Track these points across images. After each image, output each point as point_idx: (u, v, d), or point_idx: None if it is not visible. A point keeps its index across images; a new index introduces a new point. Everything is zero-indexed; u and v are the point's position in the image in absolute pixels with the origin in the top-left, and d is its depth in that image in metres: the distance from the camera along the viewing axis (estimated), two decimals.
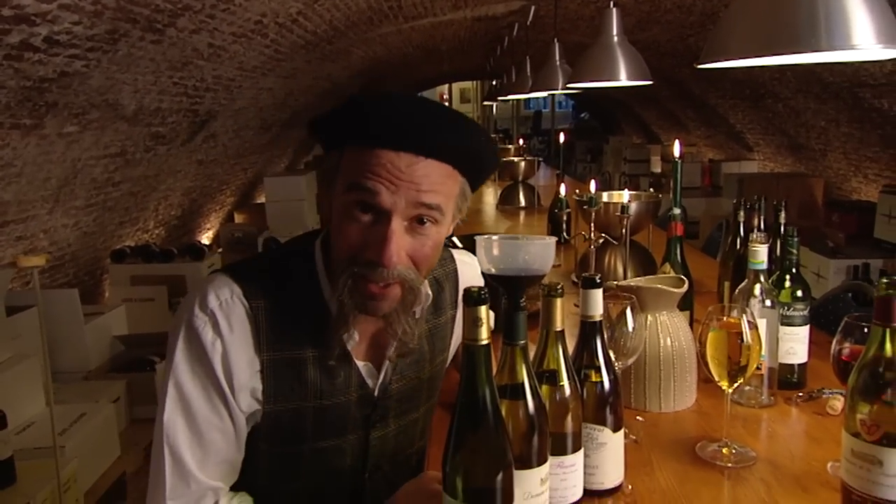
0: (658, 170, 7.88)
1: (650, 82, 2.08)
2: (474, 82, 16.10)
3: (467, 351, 0.77)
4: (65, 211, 3.23)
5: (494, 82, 7.89)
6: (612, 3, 2.12)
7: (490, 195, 4.35)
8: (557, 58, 3.04)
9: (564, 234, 2.42)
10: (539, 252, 0.86)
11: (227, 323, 0.88)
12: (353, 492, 1.01)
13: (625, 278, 1.94)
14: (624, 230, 1.83)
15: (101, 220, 3.64)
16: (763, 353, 1.15)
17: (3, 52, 1.89)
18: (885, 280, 0.81)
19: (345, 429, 0.96)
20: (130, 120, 3.11)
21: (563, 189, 2.50)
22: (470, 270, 1.14)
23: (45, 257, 1.82)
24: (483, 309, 0.76)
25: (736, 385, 1.03)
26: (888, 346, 0.81)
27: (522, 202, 3.78)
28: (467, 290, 0.77)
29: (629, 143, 9.08)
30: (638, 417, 1.21)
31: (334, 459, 0.97)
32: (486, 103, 13.61)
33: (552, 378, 0.89)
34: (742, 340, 1.00)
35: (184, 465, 0.88)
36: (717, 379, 1.03)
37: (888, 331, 0.81)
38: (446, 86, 16.57)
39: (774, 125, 5.37)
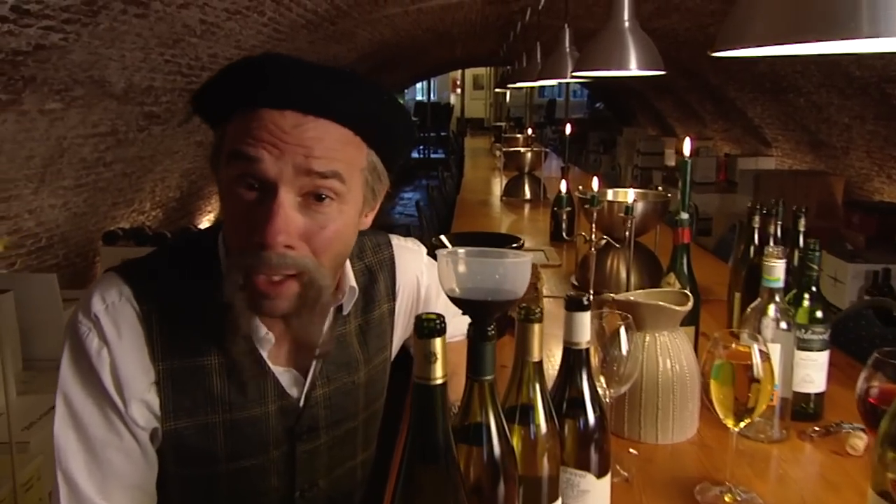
0: (672, 163, 7.67)
1: (663, 72, 1.92)
2: (488, 69, 15.87)
3: (416, 391, 0.65)
4: (52, 191, 3.12)
5: (507, 68, 7.70)
6: None
7: (496, 186, 4.20)
8: (567, 44, 2.87)
9: (565, 233, 2.27)
10: (512, 272, 0.73)
11: (115, 328, 0.77)
12: None
13: (627, 285, 1.80)
14: (628, 232, 1.69)
15: (92, 201, 3.54)
16: (776, 382, 1.01)
17: None
18: None
19: (266, 445, 0.84)
20: (120, 98, 2.99)
21: (563, 185, 2.35)
22: (410, 258, 1.02)
23: (4, 241, 1.71)
24: (438, 342, 0.63)
25: (743, 424, 0.89)
26: None
27: (528, 195, 3.63)
28: (418, 318, 0.64)
29: (643, 134, 8.86)
30: (631, 450, 1.07)
31: (257, 480, 0.86)
32: (498, 90, 13.40)
33: (526, 416, 0.76)
34: (752, 374, 0.86)
35: (80, 493, 0.76)
36: (721, 417, 0.89)
37: None
38: (459, 72, 16.34)
39: (795, 120, 5.16)
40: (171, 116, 3.70)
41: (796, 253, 1.45)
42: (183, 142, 4.18)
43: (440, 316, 0.64)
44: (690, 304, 1.11)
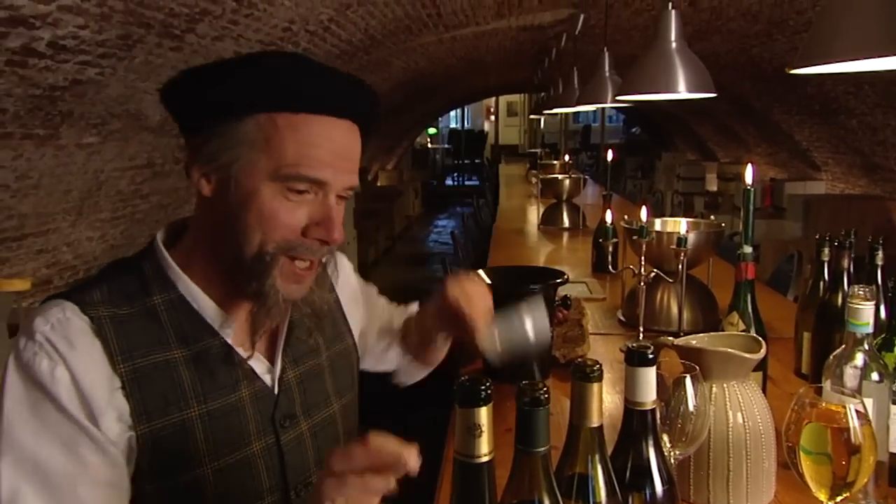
0: (714, 188, 7.46)
1: (714, 94, 1.80)
2: (522, 95, 15.89)
3: (458, 468, 0.55)
4: (89, 223, 3.14)
5: (542, 94, 7.65)
6: (669, 5, 1.86)
7: (532, 214, 4.10)
8: (607, 69, 2.79)
9: (611, 266, 2.15)
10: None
11: (66, 341, 0.71)
12: None
13: (679, 321, 1.67)
14: (680, 266, 1.56)
15: (129, 233, 3.56)
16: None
17: (3, 58, 1.76)
18: None
19: (247, 435, 0.81)
20: (156, 131, 3.01)
21: (609, 216, 2.23)
22: (340, 255, 1.02)
23: (29, 281, 1.68)
24: (483, 412, 0.53)
25: (839, 499, 0.76)
26: None
27: (566, 223, 3.52)
28: (458, 383, 0.54)
29: (683, 159, 8.66)
30: None
31: (246, 479, 0.81)
32: (532, 117, 13.37)
33: (584, 489, 0.65)
34: (850, 441, 0.73)
35: None
36: (813, 491, 0.77)
37: None
38: (493, 99, 16.41)
39: (847, 143, 4.94)
40: None
41: (874, 289, 1.31)
42: None
43: (487, 381, 0.54)
44: (762, 352, 0.98)
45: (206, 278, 0.79)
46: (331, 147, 0.75)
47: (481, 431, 0.54)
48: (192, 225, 0.82)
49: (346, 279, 1.03)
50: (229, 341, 0.81)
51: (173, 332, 0.77)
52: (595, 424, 0.64)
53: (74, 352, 0.71)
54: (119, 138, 2.77)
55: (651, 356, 0.69)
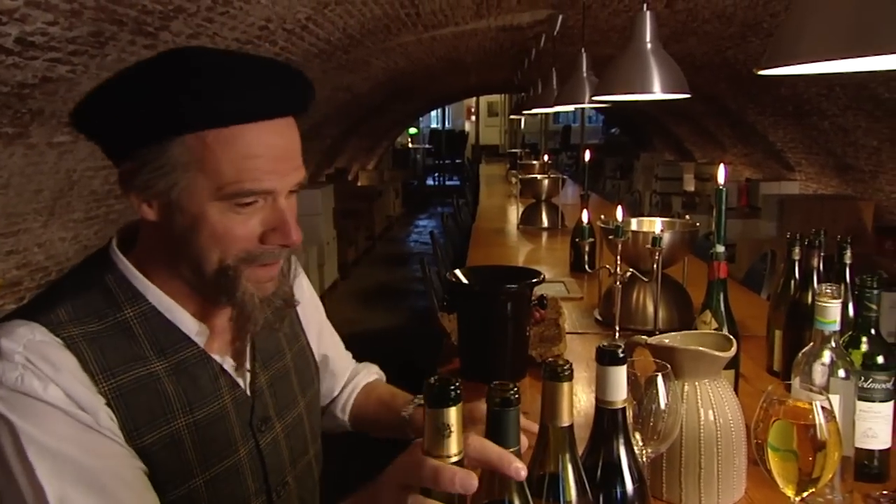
0: (692, 188, 7.55)
1: (688, 95, 1.82)
2: (502, 95, 15.94)
3: None
4: (62, 224, 3.08)
5: (522, 95, 7.68)
6: (644, 6, 1.87)
7: (512, 214, 4.11)
8: (584, 69, 2.81)
9: (587, 266, 2.16)
10: None
11: (47, 362, 0.68)
12: None
13: (655, 320, 1.69)
14: (655, 265, 1.58)
15: (103, 234, 3.50)
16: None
17: None
18: None
19: (233, 442, 0.81)
20: None
21: (585, 216, 2.24)
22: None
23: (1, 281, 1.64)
24: (453, 412, 0.53)
25: (805, 494, 0.77)
26: None
27: (545, 223, 3.53)
28: (427, 384, 0.54)
29: (661, 159, 8.76)
30: None
31: (235, 486, 0.81)
32: (512, 117, 13.41)
33: (554, 488, 0.65)
34: (815, 437, 0.75)
35: None
36: (780, 486, 0.78)
37: None
38: (474, 99, 16.42)
39: (819, 144, 5.03)
40: None
41: (842, 288, 1.33)
42: None
43: (456, 382, 0.54)
44: (733, 350, 0.99)
45: (172, 288, 0.77)
46: (270, 153, 0.72)
47: (450, 432, 0.53)
48: (145, 235, 0.79)
49: (300, 281, 1.00)
50: (205, 349, 0.80)
51: (149, 344, 0.75)
52: (565, 424, 0.64)
53: (59, 371, 0.68)
54: None
55: (621, 355, 0.70)
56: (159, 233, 0.75)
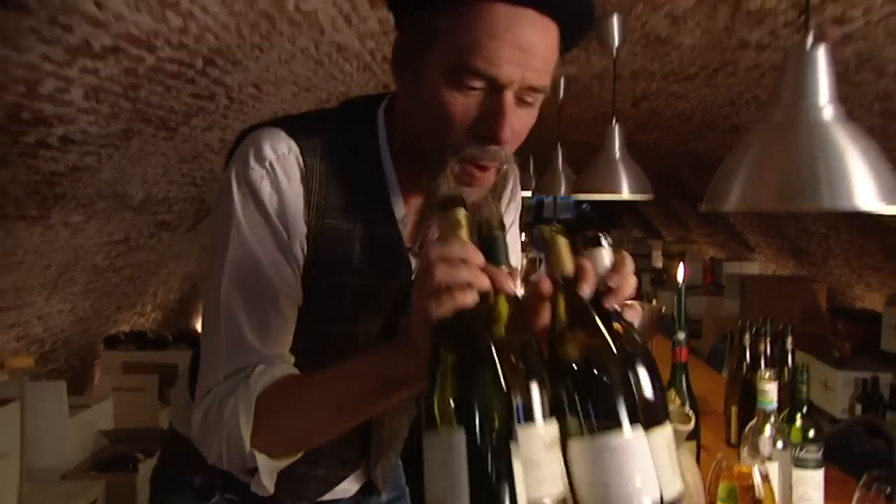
0: (660, 265, 7.88)
1: (651, 196, 2.10)
2: None
3: None
4: (62, 297, 3.19)
5: None
6: (613, 120, 2.18)
7: None
8: (560, 163, 3.11)
9: None
10: None
11: (286, 178, 0.79)
12: None
13: None
14: None
15: (97, 306, 3.60)
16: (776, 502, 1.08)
17: (18, 150, 1.92)
18: None
19: (379, 313, 0.88)
20: (136, 208, 3.14)
21: None
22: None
23: (32, 358, 1.78)
24: (462, 212, 0.63)
25: None
26: None
27: None
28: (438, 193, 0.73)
29: (630, 236, 9.14)
30: None
31: (363, 343, 0.88)
32: None
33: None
34: (754, 496, 0.94)
35: (244, 340, 0.79)
36: None
37: None
38: None
39: (775, 228, 5.42)
40: (180, 223, 3.85)
41: (786, 370, 1.56)
42: (188, 246, 4.31)
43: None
44: (692, 424, 1.19)
45: (399, 162, 0.83)
46: (514, 42, 0.69)
47: (461, 225, 0.62)
48: (398, 111, 0.84)
49: (512, 208, 0.99)
50: (403, 235, 0.85)
51: (364, 207, 0.82)
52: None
53: (290, 189, 0.79)
54: (102, 217, 2.90)
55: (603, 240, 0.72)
56: (402, 107, 0.81)
